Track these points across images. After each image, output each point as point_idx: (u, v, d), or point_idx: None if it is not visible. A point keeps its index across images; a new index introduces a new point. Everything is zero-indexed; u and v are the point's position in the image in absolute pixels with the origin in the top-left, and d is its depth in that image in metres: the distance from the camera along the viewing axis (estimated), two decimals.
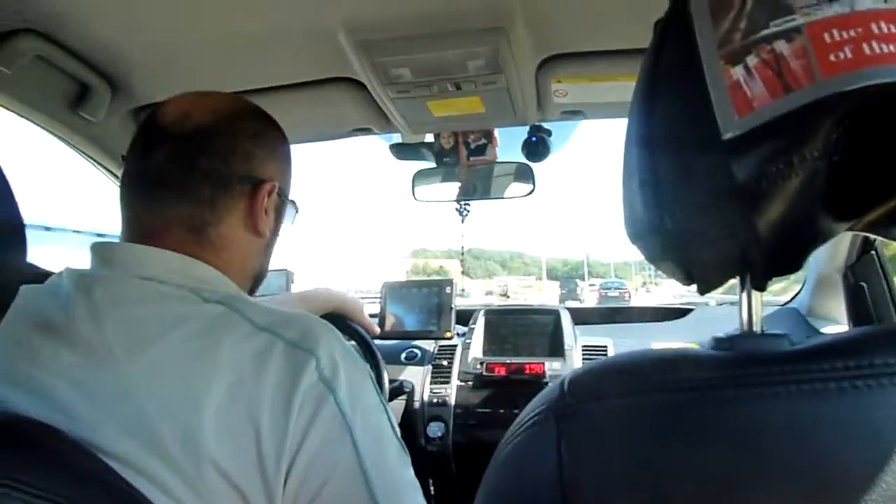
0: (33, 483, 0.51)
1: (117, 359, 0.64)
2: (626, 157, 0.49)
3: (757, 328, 0.45)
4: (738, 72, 0.39)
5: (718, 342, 0.45)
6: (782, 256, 0.42)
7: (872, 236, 0.42)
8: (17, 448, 0.54)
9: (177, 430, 0.60)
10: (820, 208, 0.40)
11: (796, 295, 2.07)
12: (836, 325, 1.88)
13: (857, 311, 1.68)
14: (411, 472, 0.73)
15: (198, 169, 0.75)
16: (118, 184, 1.52)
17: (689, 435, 0.38)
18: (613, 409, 0.41)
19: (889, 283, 1.62)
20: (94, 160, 1.50)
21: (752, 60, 0.39)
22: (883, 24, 0.36)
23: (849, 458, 0.34)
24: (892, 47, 0.36)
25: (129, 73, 1.30)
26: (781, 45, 0.38)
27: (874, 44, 0.36)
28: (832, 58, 0.36)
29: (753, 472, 0.36)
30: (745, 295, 0.45)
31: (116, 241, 0.77)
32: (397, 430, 0.73)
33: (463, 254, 2.08)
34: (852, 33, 0.36)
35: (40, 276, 0.76)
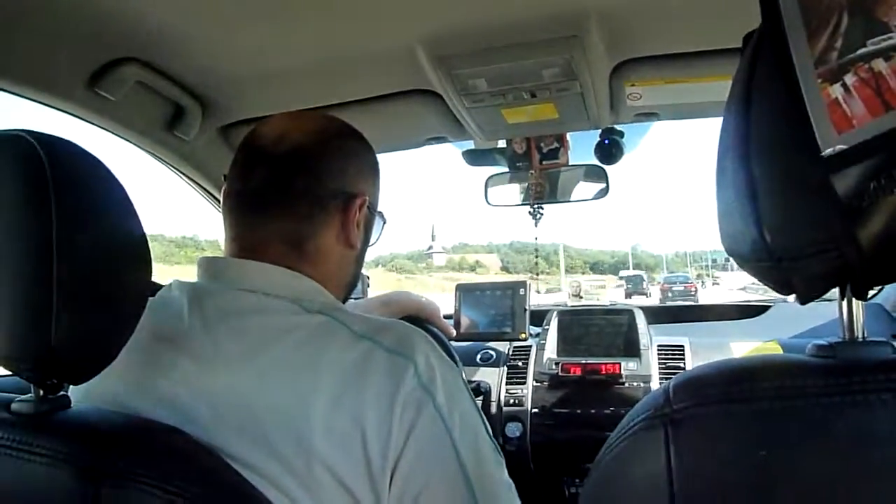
0: (166, 479, 0.56)
1: (231, 366, 0.69)
2: (721, 170, 0.50)
3: (858, 335, 0.46)
4: (836, 90, 0.41)
5: (820, 349, 0.46)
6: (884, 267, 0.43)
7: None
8: (148, 449, 0.60)
9: (289, 434, 0.65)
10: None
11: (881, 289, 1.99)
12: None
13: None
14: (506, 472, 0.75)
15: (295, 187, 0.80)
16: (210, 200, 1.62)
17: (795, 442, 0.40)
18: (721, 414, 0.43)
19: None
20: (190, 178, 1.59)
21: (850, 79, 0.40)
22: None
23: None
24: None
25: (219, 94, 1.38)
26: (880, 64, 0.39)
27: None
28: None
29: (859, 479, 0.37)
30: (845, 303, 0.46)
31: (222, 256, 0.83)
32: (490, 431, 0.76)
33: (537, 256, 2.09)
34: None
35: (156, 290, 0.82)
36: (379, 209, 0.93)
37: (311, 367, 0.68)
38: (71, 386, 0.68)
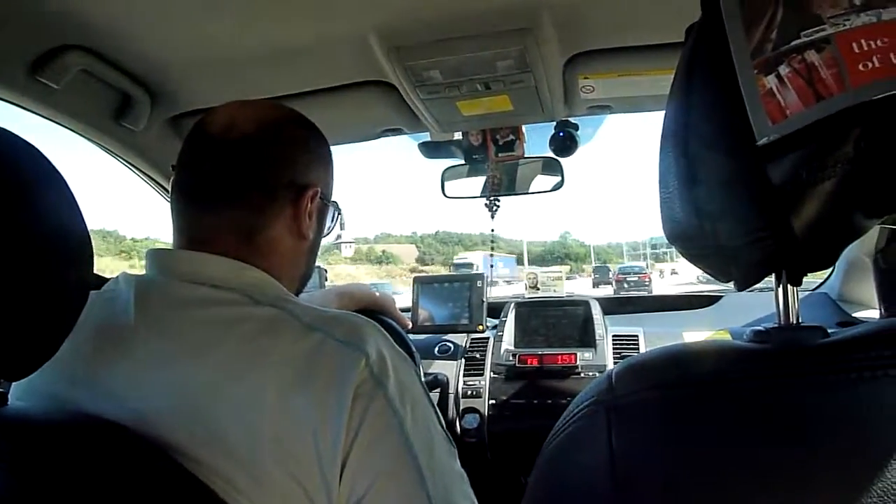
0: (106, 475, 0.55)
1: (178, 360, 0.68)
2: (662, 159, 0.51)
3: (793, 321, 0.48)
4: (771, 81, 0.42)
5: (757, 335, 0.47)
6: (817, 253, 0.44)
7: None
8: (88, 446, 0.58)
9: (238, 427, 0.64)
10: (852, 206, 0.42)
11: (826, 279, 2.06)
12: (868, 309, 1.87)
13: (889, 294, 1.68)
14: (458, 463, 0.76)
15: (245, 178, 0.78)
16: (159, 191, 1.58)
17: (732, 424, 0.41)
18: (661, 399, 0.44)
19: None
20: (138, 169, 1.55)
21: (784, 70, 0.41)
22: None
23: (885, 443, 0.36)
24: None
25: (168, 83, 1.34)
26: (812, 55, 0.40)
27: None
28: (861, 67, 0.38)
29: (796, 458, 0.38)
30: (780, 290, 0.48)
31: (170, 248, 0.81)
32: (443, 422, 0.76)
33: (493, 246, 2.10)
34: (880, 43, 0.39)
35: (101, 283, 0.80)
36: (333, 199, 0.92)
37: (260, 360, 0.67)
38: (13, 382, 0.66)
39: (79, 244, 0.62)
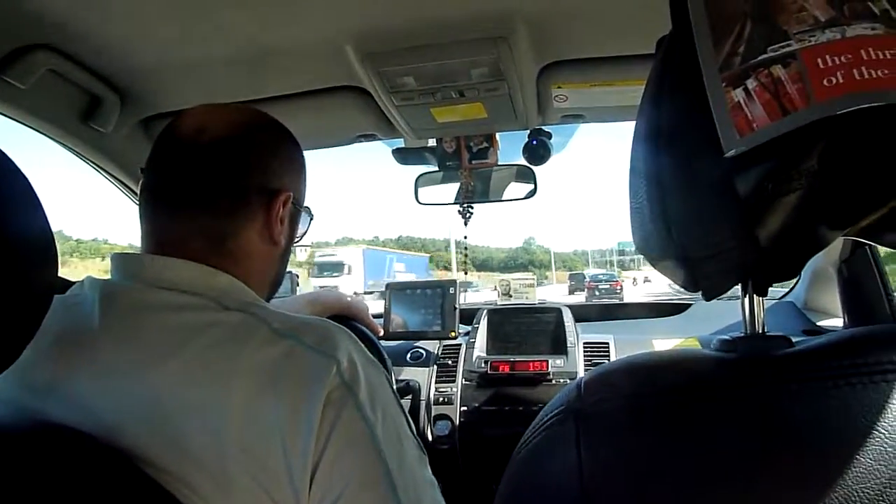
0: (67, 483, 0.54)
1: (143, 367, 0.66)
2: (632, 170, 0.51)
3: (759, 330, 0.48)
4: (738, 94, 0.42)
5: (723, 344, 0.48)
6: (782, 264, 0.45)
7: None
8: (49, 453, 0.57)
9: (204, 436, 0.63)
10: (816, 219, 0.43)
11: (792, 288, 2.10)
12: (832, 317, 1.91)
13: (852, 304, 1.72)
14: (429, 470, 0.75)
15: (215, 182, 0.77)
16: (128, 194, 1.55)
17: (699, 432, 0.41)
18: (629, 408, 0.44)
19: (882, 277, 1.65)
20: (107, 172, 1.53)
21: (751, 83, 0.42)
22: (871, 51, 0.39)
23: (847, 451, 0.37)
24: (880, 72, 0.38)
25: (138, 84, 1.32)
26: (779, 70, 0.41)
27: (864, 69, 0.39)
28: (825, 82, 0.39)
29: (761, 466, 0.39)
30: (747, 300, 0.49)
31: (137, 252, 0.79)
32: (414, 429, 0.76)
33: (466, 253, 2.10)
34: (843, 59, 0.39)
35: (67, 287, 0.78)
36: (305, 205, 0.91)
37: (228, 367, 0.66)
38: None
39: (43, 246, 0.60)
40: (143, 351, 0.68)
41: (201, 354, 0.67)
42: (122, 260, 0.77)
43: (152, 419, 0.64)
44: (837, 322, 1.87)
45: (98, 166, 1.51)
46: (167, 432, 0.63)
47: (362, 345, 0.75)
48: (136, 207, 0.82)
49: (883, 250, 1.64)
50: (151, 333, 0.69)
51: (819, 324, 1.91)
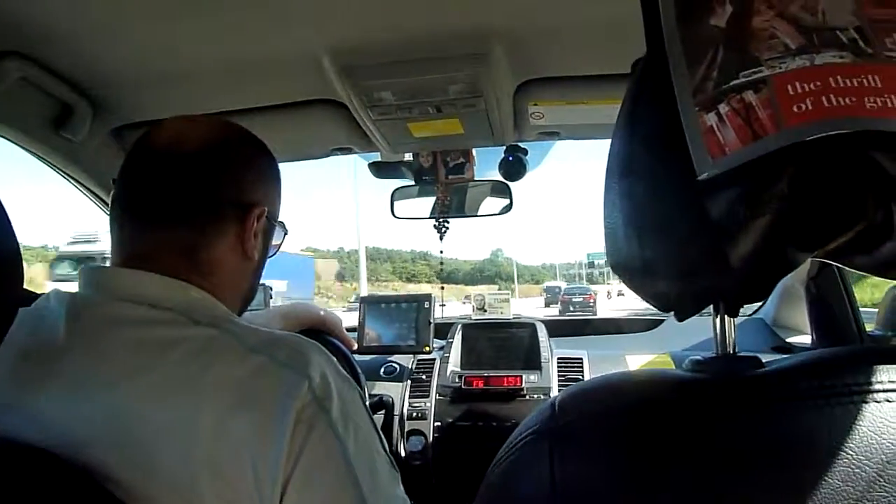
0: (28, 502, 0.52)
1: (110, 383, 0.65)
2: (607, 189, 0.52)
3: (730, 350, 0.49)
4: (711, 118, 0.43)
5: (695, 364, 0.48)
6: (753, 285, 0.45)
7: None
8: (9, 472, 0.56)
9: (173, 454, 0.62)
10: (786, 241, 0.43)
11: (762, 306, 2.14)
12: (801, 334, 1.95)
13: (820, 322, 1.75)
14: (401, 488, 0.75)
15: (188, 195, 0.76)
16: (99, 205, 1.53)
17: (672, 453, 0.41)
18: (602, 428, 0.44)
19: (849, 295, 1.69)
20: (77, 181, 1.50)
21: (724, 108, 0.43)
22: (840, 78, 0.40)
23: (816, 472, 0.38)
24: (847, 100, 0.39)
25: (111, 94, 1.31)
26: (750, 95, 0.42)
27: (832, 96, 0.40)
28: (795, 108, 0.40)
29: (733, 487, 0.39)
30: (718, 320, 0.49)
31: (107, 265, 0.78)
32: (386, 446, 0.75)
33: (442, 268, 2.10)
34: (813, 86, 0.40)
35: (32, 300, 0.76)
36: (280, 219, 0.90)
37: (198, 383, 0.65)
38: None
39: (7, 258, 0.59)
40: (110, 366, 0.66)
41: (170, 371, 0.66)
42: (90, 273, 0.75)
43: (119, 437, 0.62)
44: (805, 339, 1.90)
45: (69, 176, 1.48)
46: (135, 451, 0.62)
47: (335, 360, 0.74)
48: (108, 218, 0.81)
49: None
50: (120, 348, 0.67)
51: (788, 340, 1.94)
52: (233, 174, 0.80)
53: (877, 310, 1.74)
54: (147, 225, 0.76)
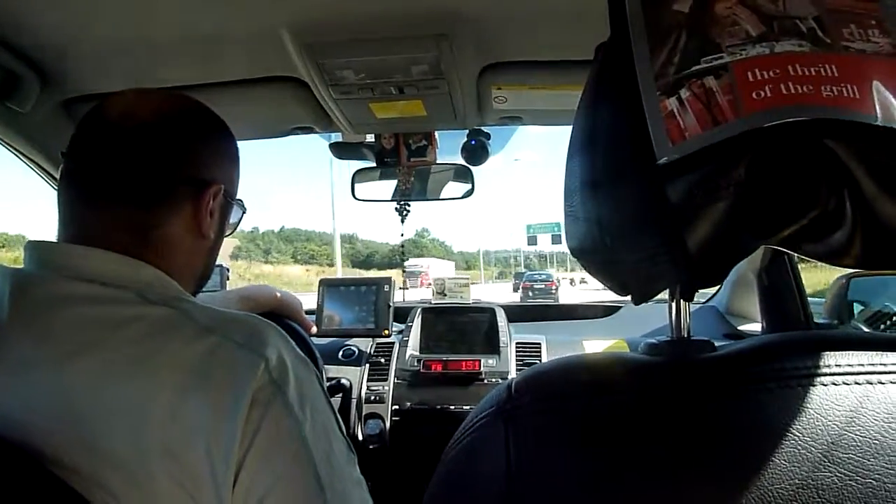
0: None
1: (57, 363, 0.63)
2: (568, 174, 0.52)
3: (685, 334, 0.50)
4: (672, 103, 0.43)
5: (651, 348, 0.49)
6: (709, 270, 0.46)
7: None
8: None
9: (123, 436, 0.60)
10: (742, 227, 0.44)
11: (715, 293, 2.19)
12: (752, 322, 2.00)
13: (770, 310, 1.80)
14: (357, 470, 0.74)
15: (141, 170, 0.74)
16: (47, 180, 1.47)
17: (625, 435, 0.42)
18: (557, 410, 0.44)
19: (798, 284, 1.74)
20: (24, 155, 1.44)
21: (685, 93, 0.43)
22: (798, 67, 0.41)
23: (764, 452, 0.38)
24: (805, 88, 0.40)
25: (61, 64, 1.26)
26: (711, 81, 0.42)
27: (791, 84, 0.40)
28: (754, 95, 0.40)
29: (685, 467, 0.39)
30: (674, 304, 0.50)
31: (54, 241, 0.75)
32: (343, 429, 0.75)
33: (403, 251, 2.09)
34: (772, 74, 0.41)
35: None
36: (238, 197, 0.88)
37: (150, 364, 0.64)
38: None
39: None
40: (57, 346, 0.64)
41: (122, 350, 0.64)
42: (36, 249, 0.72)
43: (65, 418, 0.60)
44: (756, 327, 1.96)
45: (14, 148, 1.42)
46: (82, 433, 0.60)
47: (293, 342, 0.73)
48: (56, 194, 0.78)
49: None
50: (67, 327, 0.65)
51: (739, 328, 2.00)
52: (188, 150, 0.78)
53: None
54: (97, 201, 0.74)
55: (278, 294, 1.41)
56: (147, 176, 0.74)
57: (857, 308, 1.90)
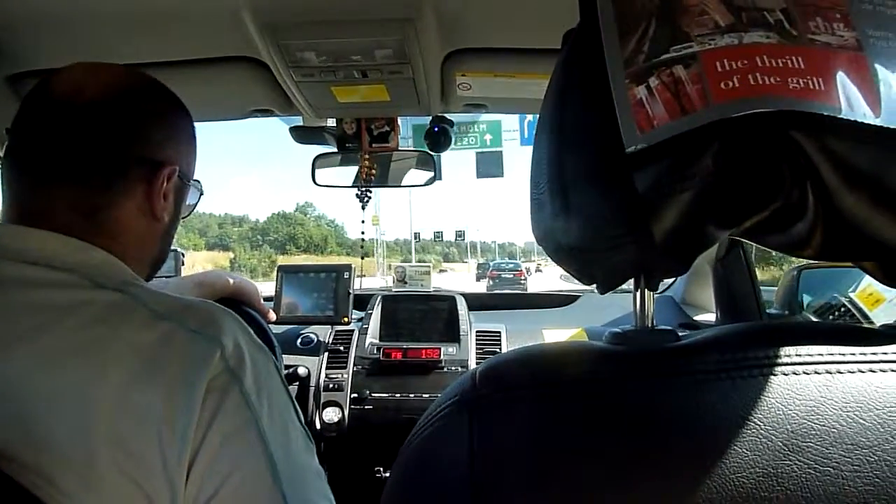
0: None
1: None
2: (535, 162, 0.51)
3: (649, 324, 0.50)
4: (641, 91, 0.43)
5: (614, 337, 0.49)
6: (673, 260, 0.46)
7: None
8: None
9: (68, 426, 0.58)
10: (707, 217, 0.44)
11: (672, 283, 2.23)
12: (707, 312, 2.05)
13: (725, 300, 1.84)
14: (316, 459, 0.73)
15: (90, 149, 0.71)
16: None
17: (589, 424, 0.42)
18: (522, 399, 0.44)
19: (752, 275, 1.79)
20: None
21: (654, 82, 0.43)
22: (766, 58, 0.41)
23: (728, 441, 0.39)
24: (772, 79, 0.40)
25: (6, 37, 1.20)
26: (680, 70, 0.42)
27: (758, 75, 0.40)
28: (723, 85, 0.40)
29: (647, 458, 0.39)
30: (639, 294, 0.50)
31: None
32: (301, 417, 0.74)
33: (363, 240, 2.07)
34: (740, 64, 0.41)
35: None
36: (195, 178, 0.85)
37: (98, 350, 0.61)
38: None
39: None
40: None
41: (69, 336, 0.61)
42: None
43: (7, 408, 0.58)
44: (710, 317, 2.01)
45: None
46: (25, 423, 0.58)
47: (250, 329, 0.72)
48: None
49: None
50: (10, 312, 0.62)
51: (695, 318, 2.04)
52: (140, 128, 0.75)
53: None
54: (42, 180, 0.71)
55: (235, 280, 1.38)
56: (96, 155, 0.72)
57: (806, 300, 1.95)
